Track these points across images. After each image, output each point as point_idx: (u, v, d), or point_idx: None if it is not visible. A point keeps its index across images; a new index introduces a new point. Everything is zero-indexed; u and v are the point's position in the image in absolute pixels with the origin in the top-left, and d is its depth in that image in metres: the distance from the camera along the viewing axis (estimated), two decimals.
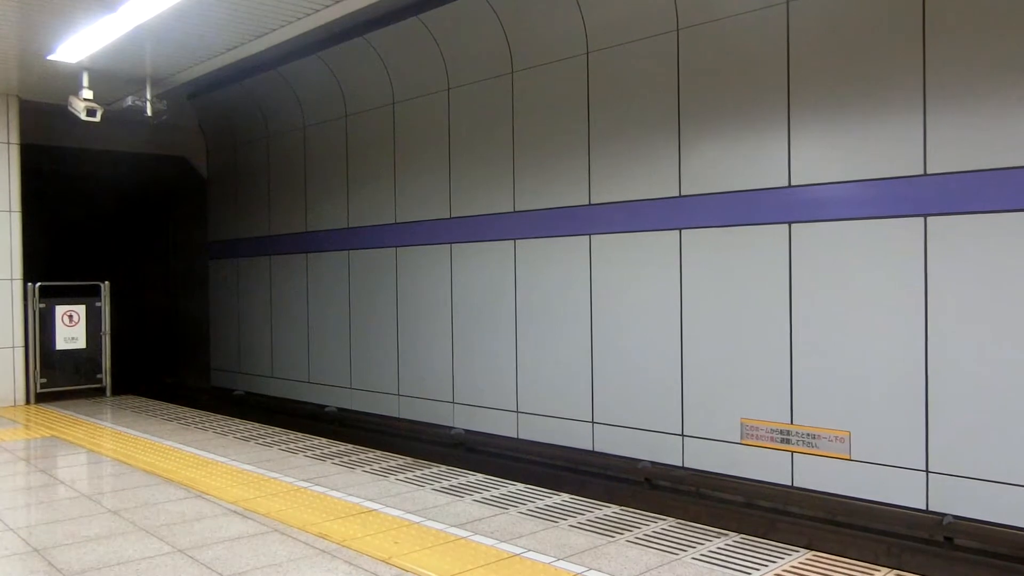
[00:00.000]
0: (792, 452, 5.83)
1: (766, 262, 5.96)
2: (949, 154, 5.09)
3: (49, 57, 7.81)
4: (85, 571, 3.81)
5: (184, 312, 13.83)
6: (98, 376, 10.23)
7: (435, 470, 5.87)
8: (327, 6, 6.48)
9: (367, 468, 5.95)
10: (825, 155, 5.66)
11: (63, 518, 4.74)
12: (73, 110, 8.64)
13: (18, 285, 9.43)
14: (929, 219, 5.18)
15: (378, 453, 6.50)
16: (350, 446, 6.79)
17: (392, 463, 6.12)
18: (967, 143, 5.01)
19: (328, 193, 10.17)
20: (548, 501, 5.00)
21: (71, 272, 11.89)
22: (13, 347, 9.40)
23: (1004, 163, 4.87)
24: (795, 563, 3.88)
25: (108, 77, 8.56)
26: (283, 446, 6.80)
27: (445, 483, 5.48)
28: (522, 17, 7.45)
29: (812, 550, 4.11)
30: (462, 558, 3.93)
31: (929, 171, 5.17)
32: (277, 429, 7.64)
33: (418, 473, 5.78)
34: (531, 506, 4.88)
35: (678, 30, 6.40)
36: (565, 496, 5.13)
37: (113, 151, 12.01)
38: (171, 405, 9.47)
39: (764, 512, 5.99)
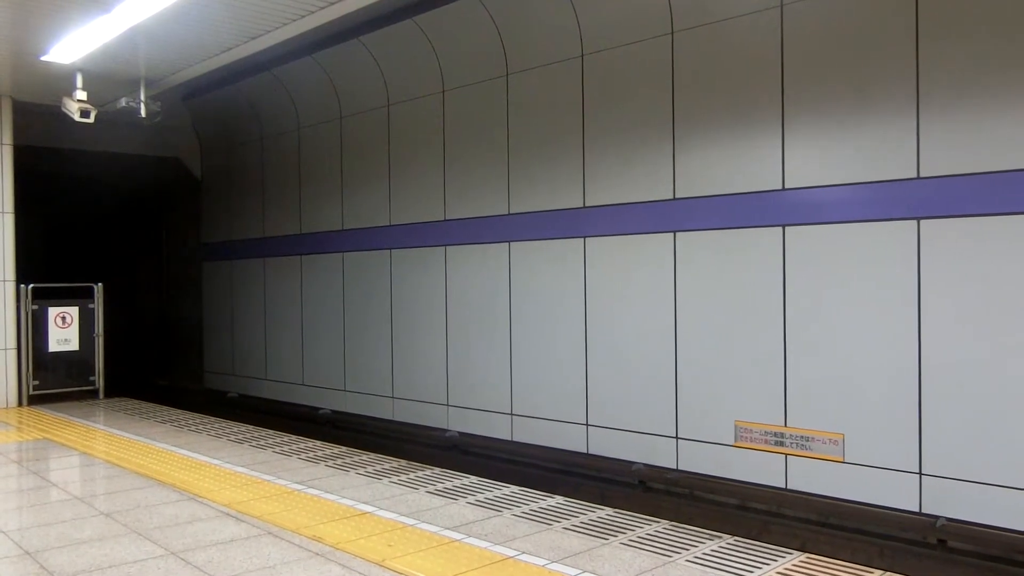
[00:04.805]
0: (786, 454, 5.83)
1: (760, 265, 5.97)
2: (942, 157, 5.10)
3: (42, 58, 7.79)
4: (77, 574, 3.79)
5: (178, 314, 13.79)
6: (91, 378, 10.20)
7: (429, 472, 5.86)
8: (322, 8, 6.48)
9: (361, 471, 5.94)
10: (819, 158, 5.68)
11: (55, 521, 4.72)
12: (66, 111, 8.61)
13: (11, 287, 9.39)
14: (922, 222, 5.19)
15: (372, 456, 6.49)
16: (344, 448, 6.78)
17: (386, 466, 6.11)
18: (960, 146, 5.03)
19: (322, 195, 10.15)
20: (542, 503, 5.00)
21: (64, 273, 11.86)
22: (5, 349, 9.36)
23: (997, 166, 4.88)
24: (788, 565, 3.89)
25: (102, 78, 8.54)
26: (277, 448, 6.78)
27: (439, 485, 5.47)
28: (517, 20, 7.46)
29: (805, 552, 4.12)
30: (456, 561, 3.93)
31: (922, 174, 5.19)
32: (271, 432, 7.62)
33: (412, 476, 5.78)
34: (525, 508, 4.88)
35: (672, 33, 6.41)
36: (559, 498, 5.13)
37: (107, 152, 11.99)
38: (164, 407, 9.44)
39: (758, 514, 6.00)
